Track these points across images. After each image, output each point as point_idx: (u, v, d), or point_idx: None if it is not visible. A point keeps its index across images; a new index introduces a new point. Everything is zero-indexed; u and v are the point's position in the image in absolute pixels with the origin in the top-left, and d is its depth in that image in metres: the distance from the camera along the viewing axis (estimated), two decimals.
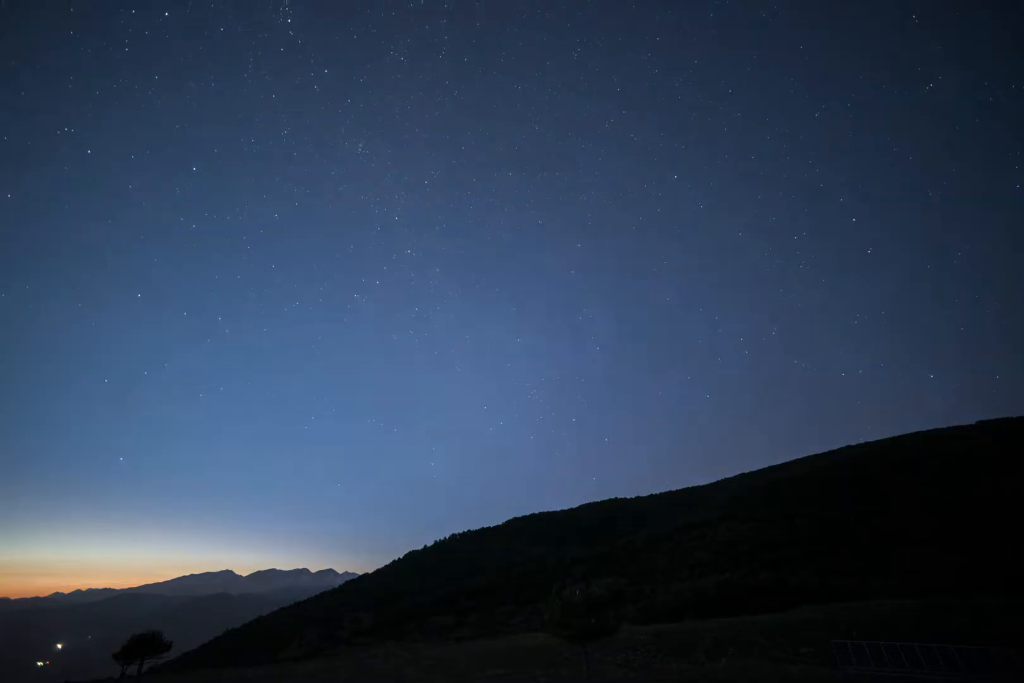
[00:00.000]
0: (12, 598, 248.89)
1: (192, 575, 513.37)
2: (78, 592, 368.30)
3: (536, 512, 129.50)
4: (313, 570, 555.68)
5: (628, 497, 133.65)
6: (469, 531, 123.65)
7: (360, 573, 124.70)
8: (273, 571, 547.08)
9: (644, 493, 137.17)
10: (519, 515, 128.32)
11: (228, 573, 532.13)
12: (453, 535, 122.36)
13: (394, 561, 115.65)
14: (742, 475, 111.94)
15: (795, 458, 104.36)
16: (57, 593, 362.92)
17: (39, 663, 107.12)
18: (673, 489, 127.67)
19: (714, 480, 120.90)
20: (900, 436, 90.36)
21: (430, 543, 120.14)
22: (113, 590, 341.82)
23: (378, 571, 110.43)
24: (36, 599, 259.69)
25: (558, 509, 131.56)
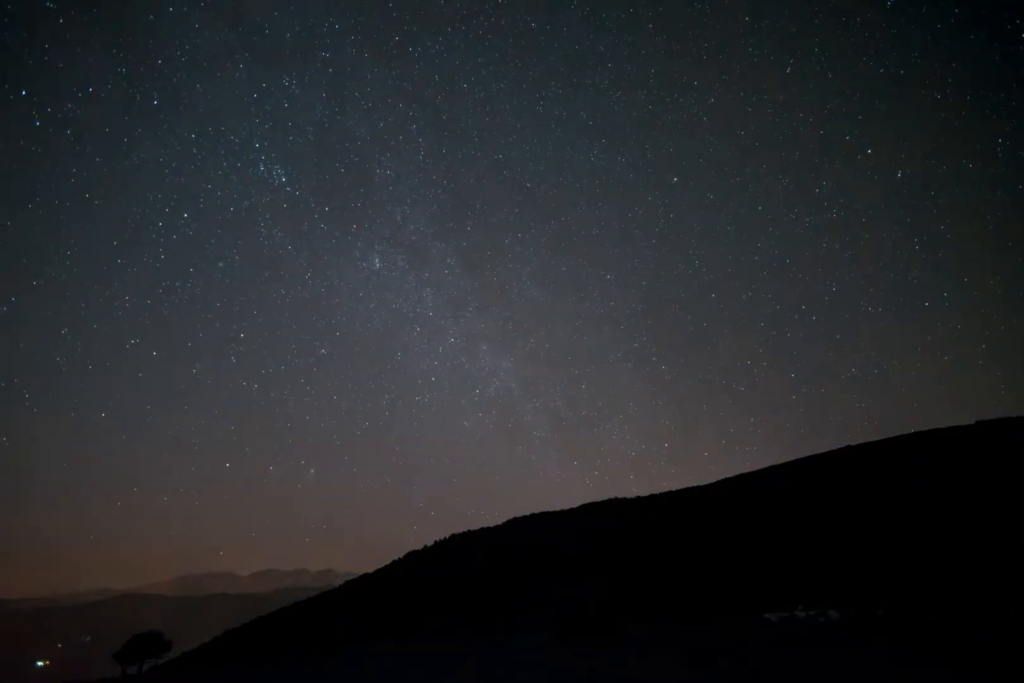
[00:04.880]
0: (12, 598, 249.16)
1: (192, 575, 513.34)
2: (78, 592, 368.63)
3: (536, 512, 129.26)
4: (313, 570, 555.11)
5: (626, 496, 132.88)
6: (469, 530, 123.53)
7: (360, 573, 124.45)
8: (273, 571, 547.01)
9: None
10: (519, 515, 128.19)
11: (228, 573, 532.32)
12: (453, 534, 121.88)
13: (394, 561, 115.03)
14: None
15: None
16: (57, 593, 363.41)
17: (39, 663, 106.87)
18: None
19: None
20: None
21: (430, 543, 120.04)
22: (113, 590, 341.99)
23: (378, 571, 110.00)
24: (36, 599, 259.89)
25: (557, 509, 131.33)
